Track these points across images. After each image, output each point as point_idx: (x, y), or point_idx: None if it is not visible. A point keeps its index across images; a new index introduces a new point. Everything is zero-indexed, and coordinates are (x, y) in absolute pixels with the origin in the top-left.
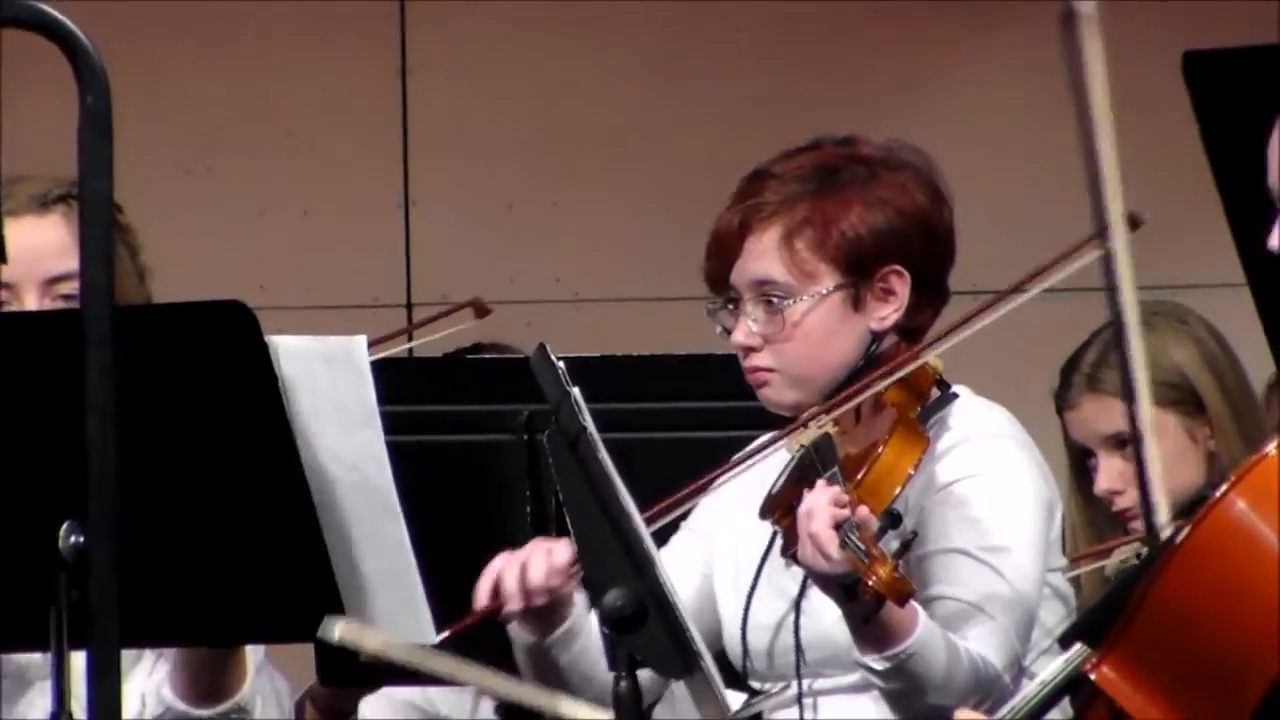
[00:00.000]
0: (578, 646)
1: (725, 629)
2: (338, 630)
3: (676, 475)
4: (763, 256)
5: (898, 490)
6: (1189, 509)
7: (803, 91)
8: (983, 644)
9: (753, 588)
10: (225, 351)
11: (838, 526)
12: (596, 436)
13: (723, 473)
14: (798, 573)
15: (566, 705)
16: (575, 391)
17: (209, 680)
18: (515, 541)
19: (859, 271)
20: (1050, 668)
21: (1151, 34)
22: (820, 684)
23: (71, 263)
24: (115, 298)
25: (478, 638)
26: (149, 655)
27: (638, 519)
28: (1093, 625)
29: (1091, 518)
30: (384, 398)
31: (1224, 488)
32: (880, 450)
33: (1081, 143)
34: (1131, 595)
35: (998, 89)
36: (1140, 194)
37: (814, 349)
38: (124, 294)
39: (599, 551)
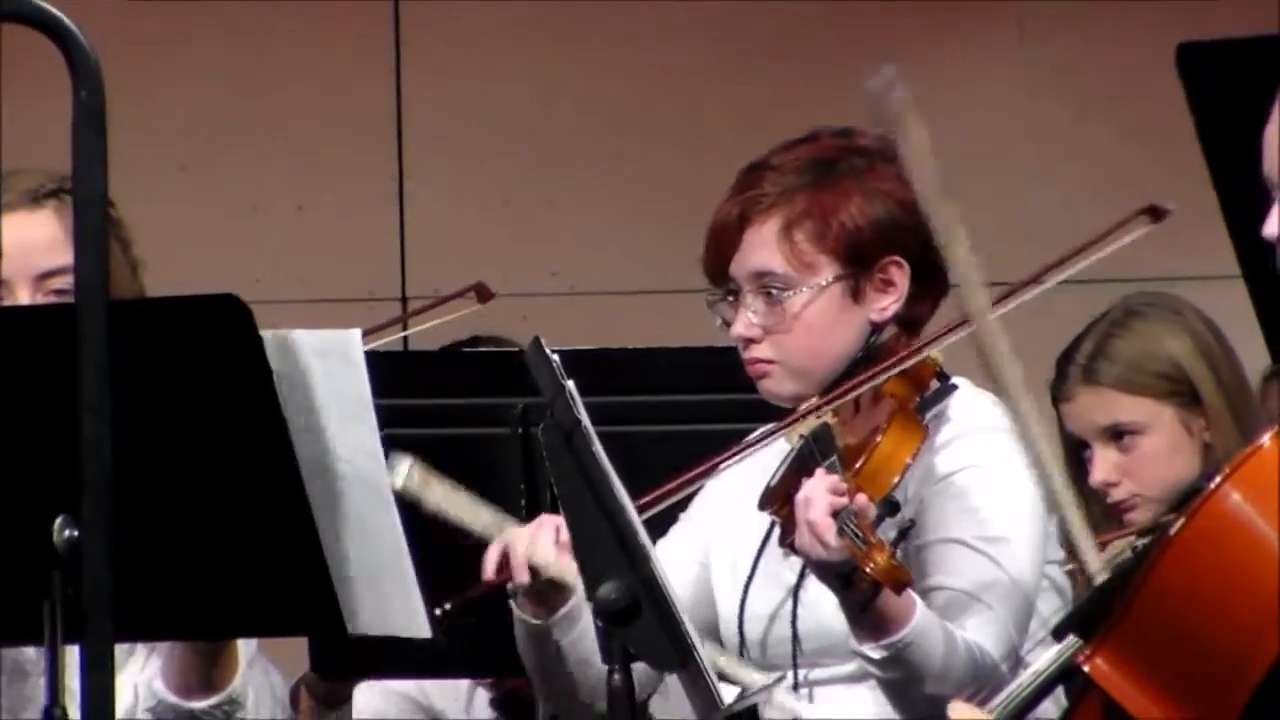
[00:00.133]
0: (578, 630)
1: (722, 619)
2: (401, 475)
3: (673, 468)
4: (762, 248)
5: (896, 479)
6: (1184, 501)
7: (799, 86)
8: (980, 634)
9: (750, 577)
10: (219, 345)
11: (835, 514)
12: (591, 430)
13: (719, 461)
14: (795, 563)
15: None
16: (570, 385)
17: (200, 673)
18: None
19: (858, 263)
20: (1043, 658)
21: (1148, 27)
22: (817, 674)
23: (64, 258)
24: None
25: (482, 616)
26: (142, 649)
27: (632, 513)
28: (1086, 617)
29: (1086, 510)
30: (379, 391)
31: (1219, 479)
32: (878, 440)
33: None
34: (1125, 588)
35: (997, 88)
36: (1136, 187)
37: (814, 340)
38: (117, 288)
39: (593, 545)
